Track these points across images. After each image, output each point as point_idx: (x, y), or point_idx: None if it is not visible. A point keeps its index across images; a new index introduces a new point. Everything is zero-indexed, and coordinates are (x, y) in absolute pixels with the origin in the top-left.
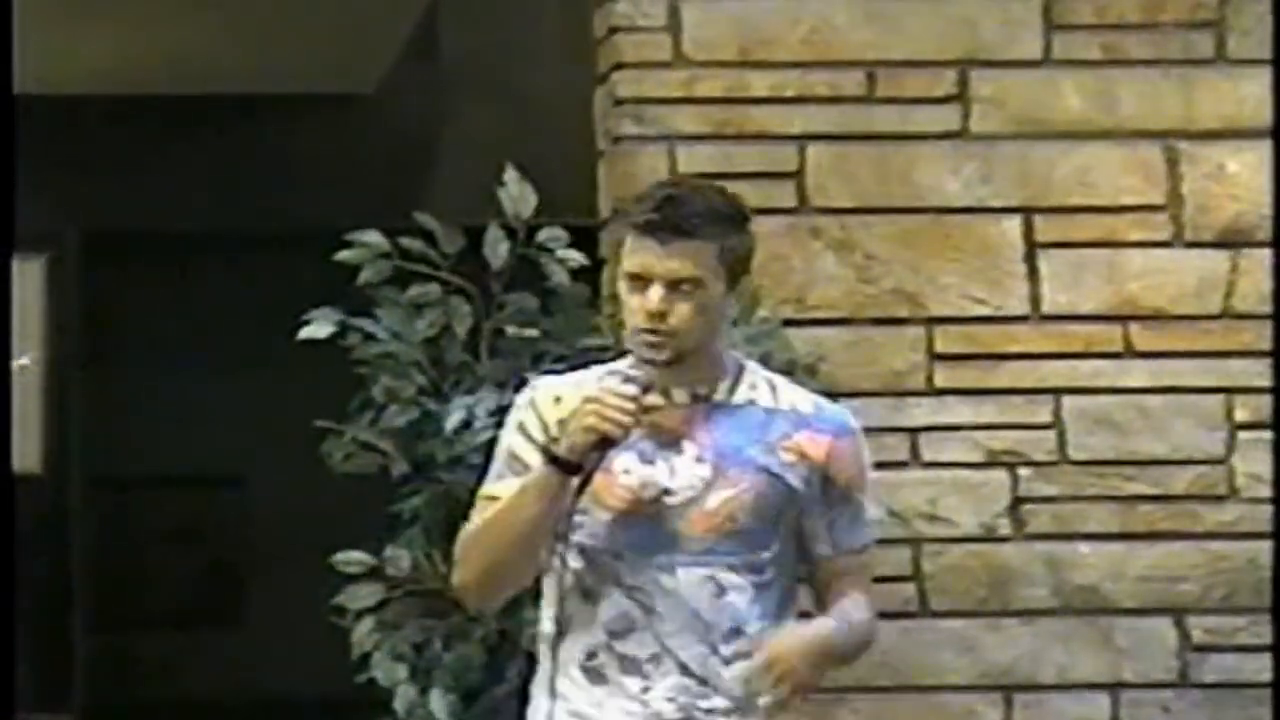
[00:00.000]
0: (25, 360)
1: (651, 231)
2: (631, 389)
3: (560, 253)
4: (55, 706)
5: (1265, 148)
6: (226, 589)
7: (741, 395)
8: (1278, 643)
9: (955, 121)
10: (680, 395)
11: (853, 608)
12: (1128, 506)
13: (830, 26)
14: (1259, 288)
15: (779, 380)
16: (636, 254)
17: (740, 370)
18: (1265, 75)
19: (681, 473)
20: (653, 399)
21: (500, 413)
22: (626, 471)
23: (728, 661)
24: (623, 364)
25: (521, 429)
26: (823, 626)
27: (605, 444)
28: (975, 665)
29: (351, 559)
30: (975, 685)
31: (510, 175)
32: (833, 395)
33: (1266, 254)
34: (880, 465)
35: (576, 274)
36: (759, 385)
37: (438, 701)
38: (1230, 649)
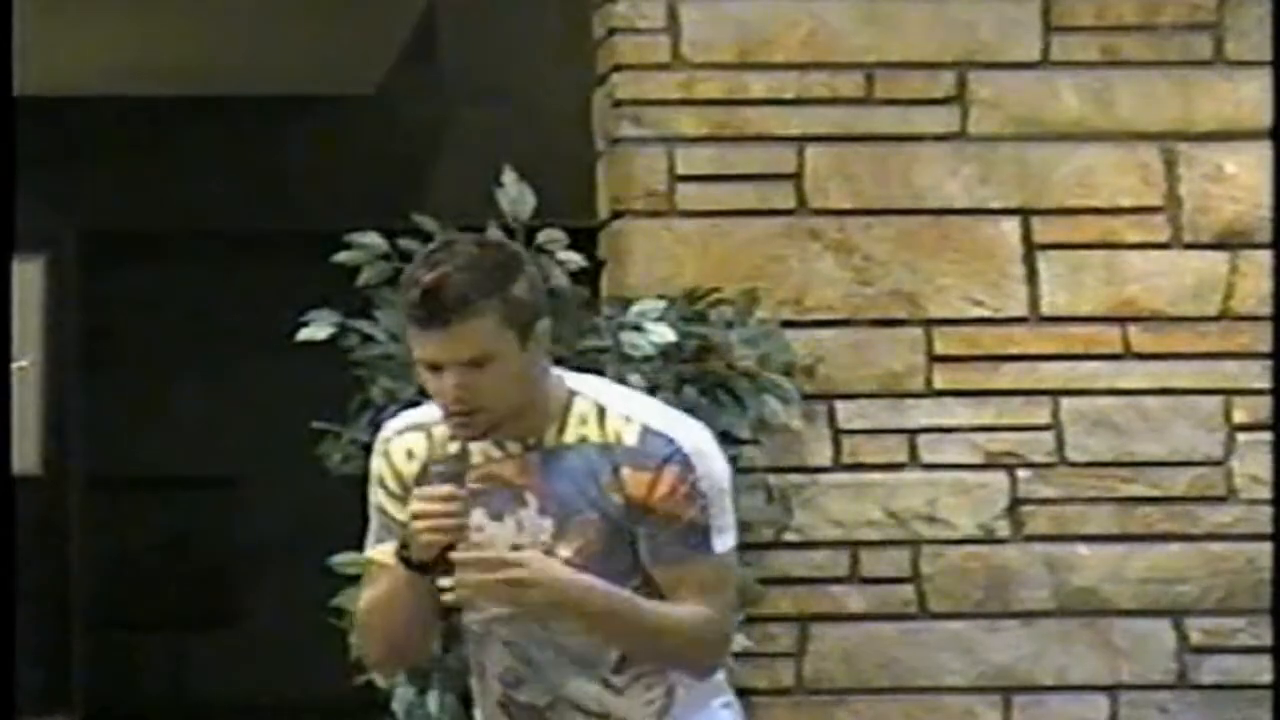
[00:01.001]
0: (25, 361)
1: (426, 322)
2: (445, 489)
3: (559, 254)
4: (54, 708)
5: (1264, 149)
6: (225, 590)
7: (571, 434)
8: (1277, 644)
9: (954, 123)
10: (513, 446)
11: (676, 607)
12: (1126, 508)
13: (829, 28)
14: (1257, 289)
15: (610, 400)
16: (418, 343)
17: (569, 404)
18: (1264, 77)
19: (528, 527)
20: (480, 449)
21: None
22: (479, 529)
23: (621, 691)
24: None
25: (381, 483)
26: (612, 588)
27: (450, 545)
28: (974, 666)
29: (350, 560)
30: (974, 687)
31: (509, 177)
32: (831, 397)
33: (1265, 255)
34: (879, 467)
35: (575, 276)
36: (589, 417)
37: (435, 703)
38: (1229, 650)
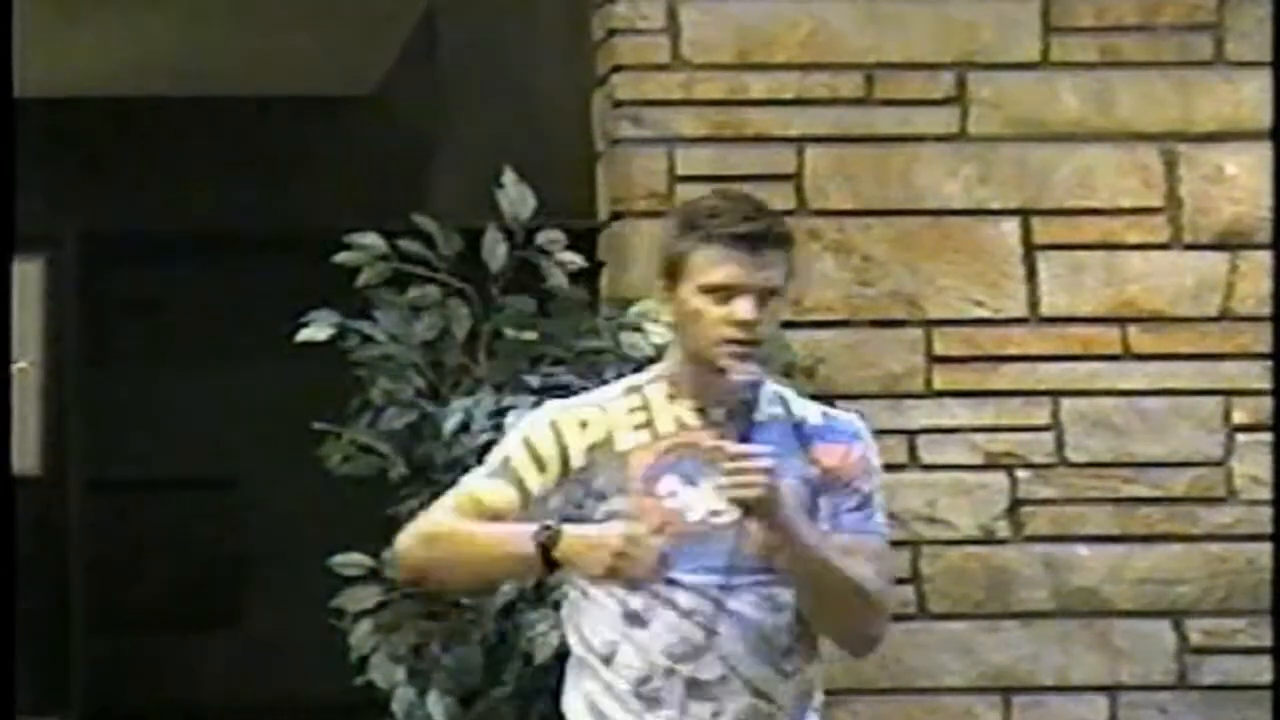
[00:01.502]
0: (24, 363)
1: (744, 243)
2: (661, 553)
3: (559, 255)
4: (54, 709)
5: (1264, 149)
6: (225, 591)
7: (765, 411)
8: (1277, 645)
9: (954, 123)
10: (716, 414)
11: (859, 562)
12: (1126, 508)
13: (829, 29)
14: (1257, 290)
15: (787, 392)
16: (723, 265)
17: (760, 386)
18: (1263, 77)
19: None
20: (675, 417)
21: (499, 415)
22: (672, 494)
23: (788, 677)
24: (642, 377)
25: (528, 445)
26: (818, 530)
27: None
28: (974, 667)
29: (350, 561)
30: (974, 687)
31: (509, 177)
32: (831, 398)
33: (1265, 256)
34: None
35: (575, 276)
36: (775, 400)
37: (436, 704)
38: (1229, 651)
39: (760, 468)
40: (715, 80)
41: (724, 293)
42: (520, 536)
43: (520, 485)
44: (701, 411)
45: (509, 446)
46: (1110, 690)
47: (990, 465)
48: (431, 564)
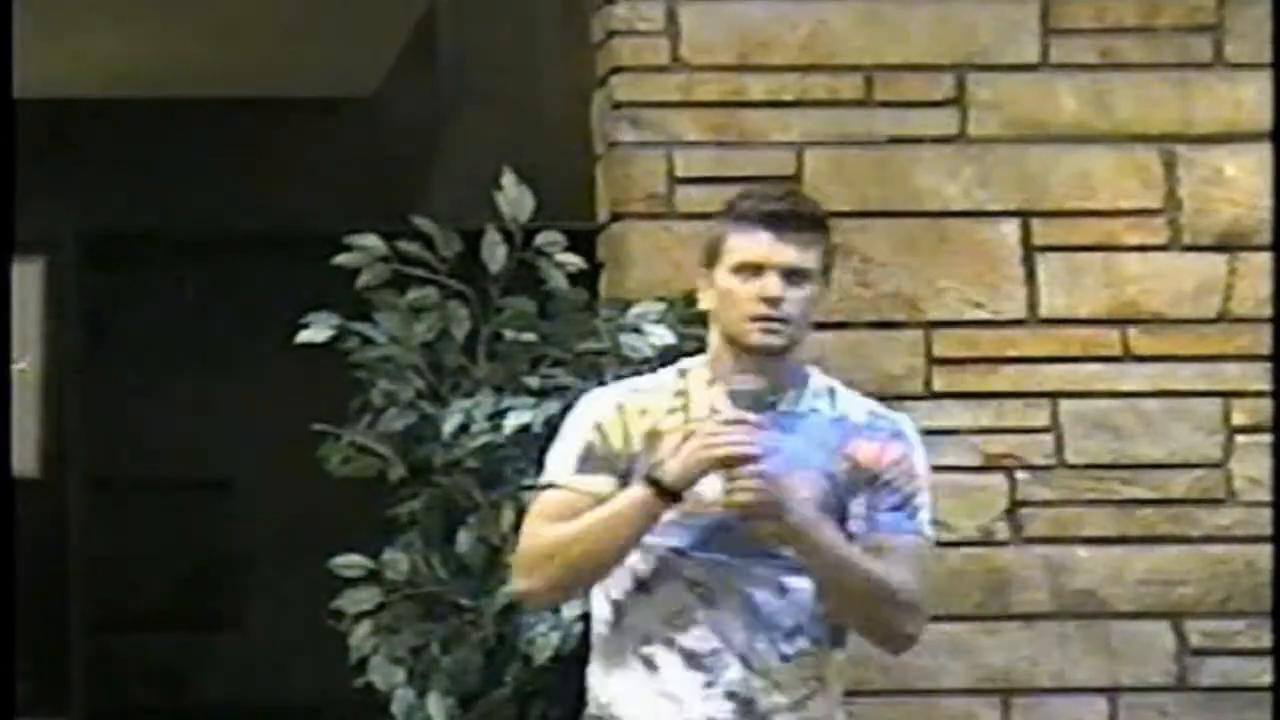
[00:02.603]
0: (24, 364)
1: (771, 221)
2: (751, 417)
3: (558, 256)
4: (53, 710)
5: (1263, 151)
6: (225, 592)
7: (806, 404)
8: (1277, 646)
9: (953, 125)
10: (743, 399)
11: (891, 569)
12: (1125, 510)
13: (828, 30)
14: (1257, 291)
15: (839, 388)
16: (752, 244)
17: (807, 379)
18: (1263, 79)
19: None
20: (714, 404)
21: (498, 416)
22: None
23: (788, 659)
24: (694, 361)
25: (599, 430)
26: (834, 529)
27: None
28: (973, 669)
29: (349, 562)
30: (973, 689)
31: (508, 179)
32: None
33: (1264, 258)
34: None
35: (574, 278)
36: (821, 394)
37: (436, 705)
38: (1228, 653)
39: (757, 472)
40: (715, 82)
41: (753, 270)
42: (623, 499)
43: (612, 469)
44: (733, 395)
45: (583, 435)
46: (1109, 692)
47: (989, 467)
48: (555, 579)
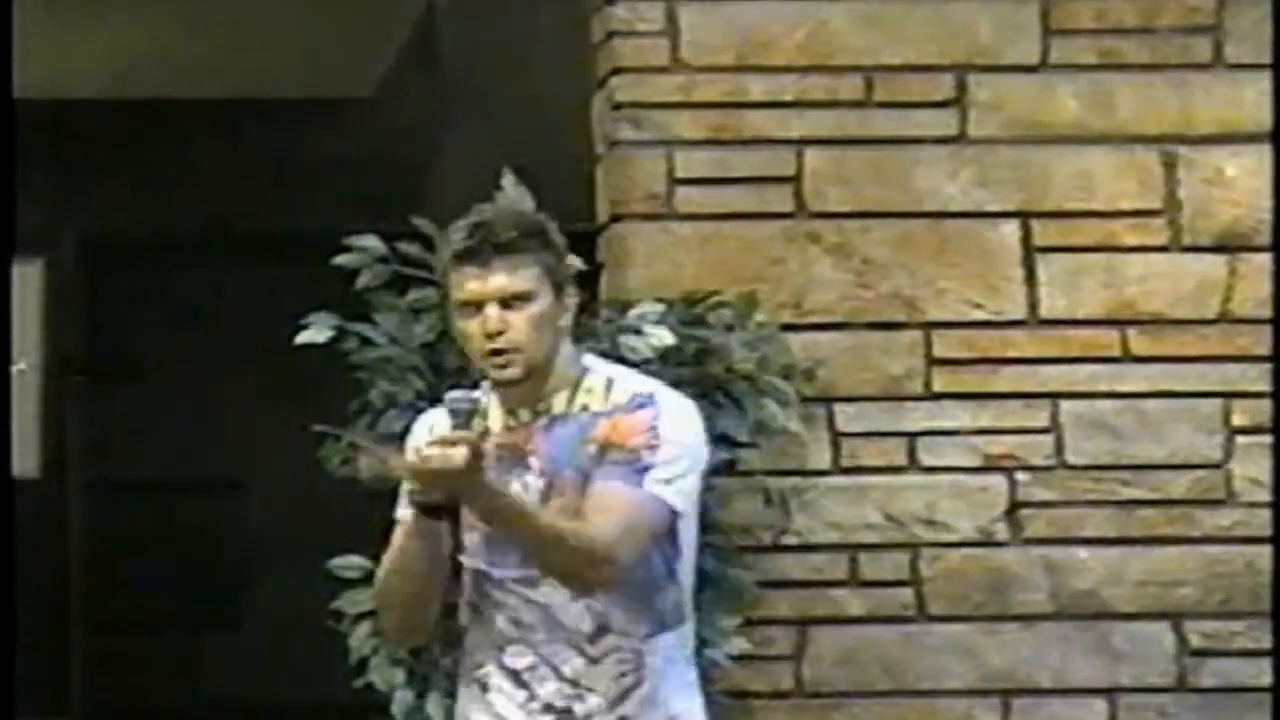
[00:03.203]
0: (23, 365)
1: (471, 256)
2: (457, 434)
3: None
4: (53, 711)
5: (1263, 152)
6: (225, 593)
7: (577, 403)
8: (1277, 647)
9: (953, 126)
10: (525, 414)
11: (573, 523)
12: (1125, 511)
13: (828, 31)
14: (1257, 292)
15: (620, 375)
16: (464, 281)
17: (582, 377)
18: (1263, 79)
19: (530, 489)
20: (500, 420)
21: None
22: None
23: (596, 661)
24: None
25: (416, 454)
26: (523, 498)
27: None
28: (973, 670)
29: (349, 564)
30: (973, 690)
31: (508, 180)
32: (830, 400)
33: (1264, 258)
34: (878, 470)
35: (574, 279)
36: (595, 388)
37: (435, 706)
38: (1228, 654)
39: (452, 440)
40: (714, 82)
41: (475, 307)
42: (399, 527)
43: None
44: (511, 413)
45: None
46: (1110, 693)
47: (990, 468)
48: (395, 620)
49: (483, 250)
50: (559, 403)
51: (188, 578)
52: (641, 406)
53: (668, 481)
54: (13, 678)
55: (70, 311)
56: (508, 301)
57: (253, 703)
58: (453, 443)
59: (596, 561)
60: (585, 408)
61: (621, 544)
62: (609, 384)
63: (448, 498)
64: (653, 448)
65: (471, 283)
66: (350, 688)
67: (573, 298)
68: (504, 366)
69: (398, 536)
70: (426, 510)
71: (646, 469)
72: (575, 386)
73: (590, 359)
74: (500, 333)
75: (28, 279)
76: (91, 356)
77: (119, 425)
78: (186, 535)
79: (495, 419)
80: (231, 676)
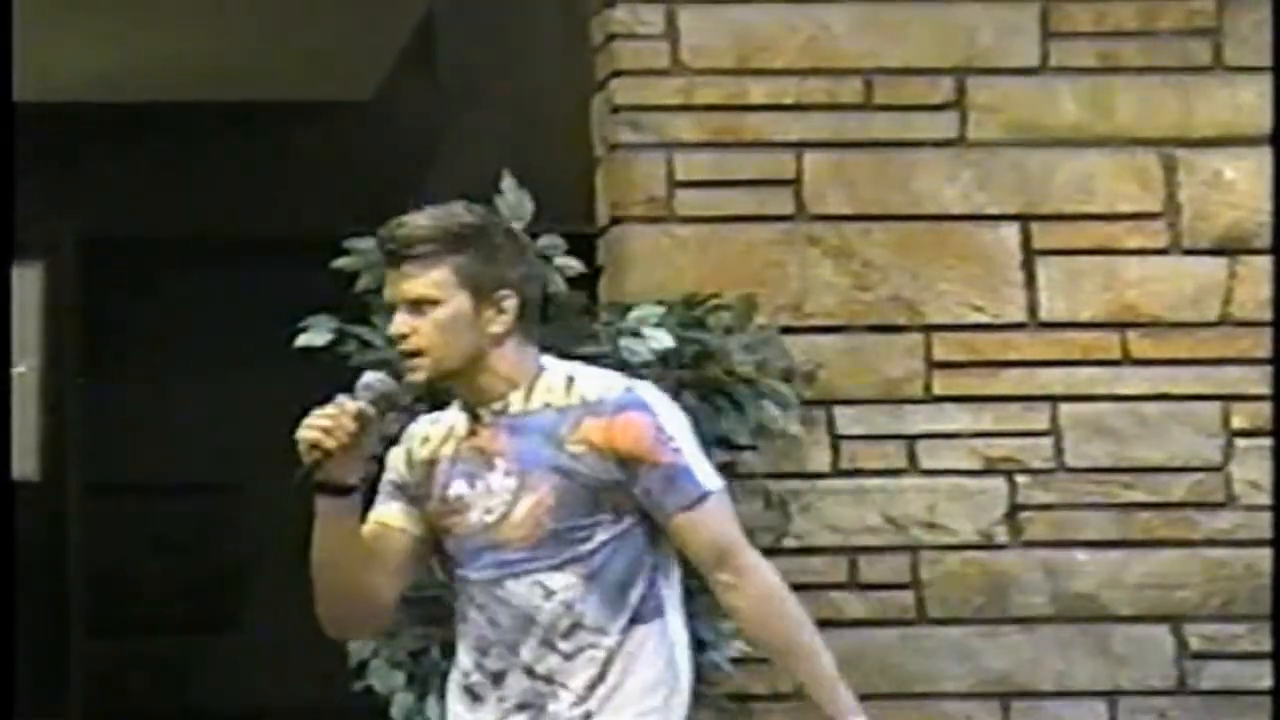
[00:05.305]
0: (23, 367)
1: (388, 260)
2: (352, 405)
3: (557, 260)
4: (52, 712)
5: (1263, 155)
6: (224, 596)
7: (536, 401)
8: (1277, 650)
9: (953, 129)
10: (486, 415)
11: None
12: (1125, 514)
13: (828, 34)
14: (1256, 295)
15: (580, 372)
16: (386, 283)
17: (538, 376)
18: (1263, 82)
19: (495, 489)
20: (465, 423)
21: None
22: (459, 497)
23: (570, 657)
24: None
25: (395, 457)
26: None
27: (327, 457)
28: (973, 672)
29: None
30: (973, 692)
31: (508, 182)
32: (830, 403)
33: (1264, 261)
34: (878, 473)
35: (574, 281)
36: (555, 386)
37: (434, 709)
38: (1228, 656)
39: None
40: (714, 85)
41: (392, 309)
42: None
43: (403, 495)
44: (472, 415)
45: (390, 463)
46: (1109, 695)
47: (989, 470)
48: (321, 605)
49: (394, 254)
50: (516, 400)
51: (188, 579)
52: (624, 408)
53: (704, 467)
54: (12, 678)
55: (70, 314)
56: (417, 305)
57: (253, 706)
58: (342, 414)
59: (777, 585)
60: (548, 404)
61: (750, 555)
62: (569, 381)
63: (336, 469)
64: (676, 450)
65: (388, 286)
66: (350, 690)
67: (510, 299)
68: (413, 369)
69: (316, 531)
70: (325, 489)
71: (684, 470)
72: (531, 385)
73: (549, 360)
74: (404, 336)
75: (28, 282)
76: (91, 359)
77: (119, 426)
78: (185, 537)
79: (459, 421)
80: (232, 679)
